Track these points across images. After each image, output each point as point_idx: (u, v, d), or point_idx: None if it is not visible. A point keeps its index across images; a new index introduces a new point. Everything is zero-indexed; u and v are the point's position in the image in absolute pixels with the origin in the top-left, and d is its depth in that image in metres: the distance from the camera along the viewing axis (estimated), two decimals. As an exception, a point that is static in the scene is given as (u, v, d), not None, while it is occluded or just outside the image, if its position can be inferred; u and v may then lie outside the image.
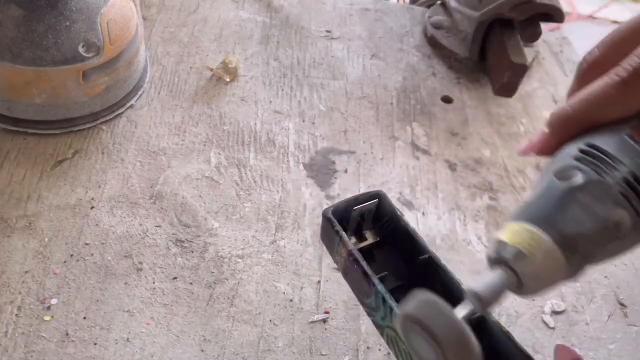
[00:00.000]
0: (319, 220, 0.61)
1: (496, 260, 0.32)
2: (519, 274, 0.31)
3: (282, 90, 0.74)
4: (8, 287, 0.52)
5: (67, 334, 0.50)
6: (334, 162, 0.67)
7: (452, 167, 0.68)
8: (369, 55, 0.81)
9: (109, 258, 0.55)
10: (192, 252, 0.57)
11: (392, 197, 0.64)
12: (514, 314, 0.56)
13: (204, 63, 0.76)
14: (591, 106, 0.33)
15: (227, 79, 0.74)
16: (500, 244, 0.31)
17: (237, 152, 0.66)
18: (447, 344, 0.29)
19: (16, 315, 0.51)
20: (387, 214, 0.45)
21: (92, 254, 0.55)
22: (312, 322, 0.53)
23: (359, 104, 0.74)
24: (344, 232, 0.43)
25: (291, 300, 0.54)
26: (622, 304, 0.58)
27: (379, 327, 0.41)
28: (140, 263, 0.55)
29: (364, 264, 0.41)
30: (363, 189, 0.64)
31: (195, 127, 0.68)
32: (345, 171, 0.66)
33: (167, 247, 0.57)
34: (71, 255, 0.55)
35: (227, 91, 0.73)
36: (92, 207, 0.59)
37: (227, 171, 0.64)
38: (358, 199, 0.44)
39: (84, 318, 0.51)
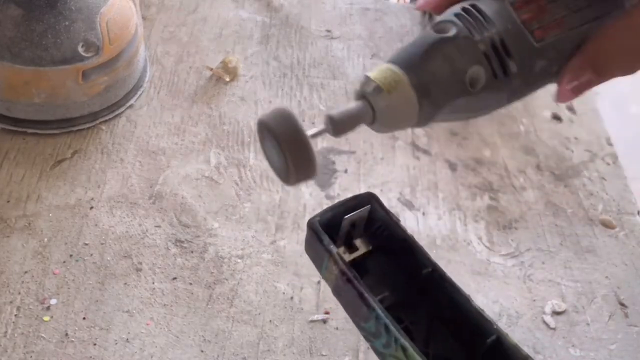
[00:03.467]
0: (319, 220, 0.61)
1: (358, 94, 0.34)
2: (374, 107, 0.33)
3: (282, 90, 0.74)
4: (7, 288, 0.52)
5: (66, 334, 0.50)
6: (334, 162, 0.67)
7: (452, 167, 0.68)
8: (369, 55, 0.81)
9: (109, 258, 0.55)
10: (192, 252, 0.57)
11: (392, 197, 0.64)
12: (515, 315, 0.56)
13: (203, 63, 0.75)
14: None
15: (227, 79, 0.74)
16: (366, 79, 0.34)
17: (237, 152, 0.66)
18: (286, 145, 0.31)
19: (15, 315, 0.51)
20: (379, 219, 0.42)
21: (91, 254, 0.55)
22: (312, 321, 0.53)
23: (359, 103, 0.74)
24: (334, 248, 0.39)
25: (291, 300, 0.54)
26: (622, 305, 0.57)
27: (380, 355, 0.38)
28: (140, 263, 0.55)
29: (360, 286, 0.37)
30: (363, 189, 0.64)
31: (195, 127, 0.68)
32: (345, 171, 0.66)
33: (167, 247, 0.57)
34: (70, 256, 0.55)
35: (226, 91, 0.73)
36: (92, 207, 0.59)
37: (227, 171, 0.64)
38: (347, 206, 0.41)
39: (84, 318, 0.51)
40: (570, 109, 0.77)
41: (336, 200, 0.62)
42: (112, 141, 0.65)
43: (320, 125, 0.34)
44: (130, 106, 0.69)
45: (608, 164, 0.71)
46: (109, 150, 0.64)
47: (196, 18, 0.82)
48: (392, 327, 0.36)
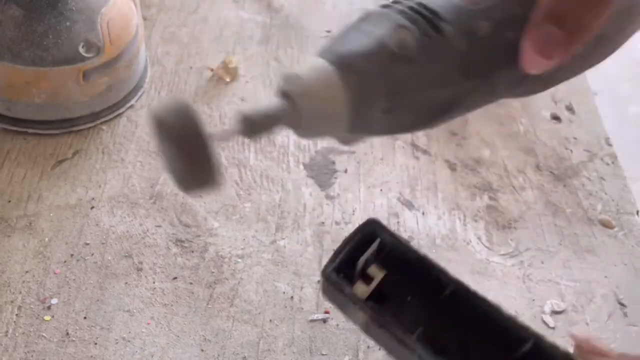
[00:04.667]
0: (319, 220, 0.61)
1: (278, 91, 0.30)
2: (292, 95, 0.29)
3: (282, 90, 0.74)
4: (8, 287, 0.52)
5: (67, 333, 0.50)
6: (334, 162, 0.67)
7: (452, 167, 0.68)
8: (369, 55, 0.81)
9: (109, 258, 0.55)
10: (192, 252, 0.57)
11: (392, 197, 0.64)
12: (514, 314, 0.56)
13: (204, 63, 0.76)
14: None
15: (227, 79, 0.74)
16: (287, 74, 0.30)
17: (237, 152, 0.66)
18: (181, 147, 0.26)
19: (16, 315, 0.51)
20: (388, 244, 0.40)
21: (92, 254, 0.55)
22: (312, 320, 0.53)
23: (359, 104, 0.74)
24: (358, 298, 0.37)
25: (291, 300, 0.54)
26: (622, 304, 0.58)
27: None
28: (141, 263, 0.55)
29: (395, 328, 0.36)
30: (363, 189, 0.64)
31: (196, 127, 0.68)
32: (345, 171, 0.66)
33: (167, 247, 0.57)
34: (71, 255, 0.55)
35: (227, 91, 0.73)
36: (93, 207, 0.59)
37: (227, 171, 0.64)
38: (354, 241, 0.39)
39: (84, 318, 0.51)
40: (570, 109, 0.77)
41: (335, 200, 0.63)
42: (112, 141, 0.65)
43: (231, 127, 0.29)
44: (131, 106, 0.69)
45: (607, 164, 0.71)
46: (110, 150, 0.65)
47: (197, 18, 0.82)
48: None
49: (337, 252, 0.39)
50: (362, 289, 0.38)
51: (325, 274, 0.38)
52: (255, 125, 0.29)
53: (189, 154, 0.26)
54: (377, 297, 0.38)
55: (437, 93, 0.31)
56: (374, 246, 0.39)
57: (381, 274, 0.39)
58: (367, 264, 0.40)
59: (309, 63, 0.30)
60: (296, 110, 0.29)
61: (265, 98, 0.30)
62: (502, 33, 0.31)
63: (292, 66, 0.77)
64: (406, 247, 0.39)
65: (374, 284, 0.39)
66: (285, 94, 0.30)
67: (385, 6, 0.32)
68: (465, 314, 0.39)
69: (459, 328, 0.39)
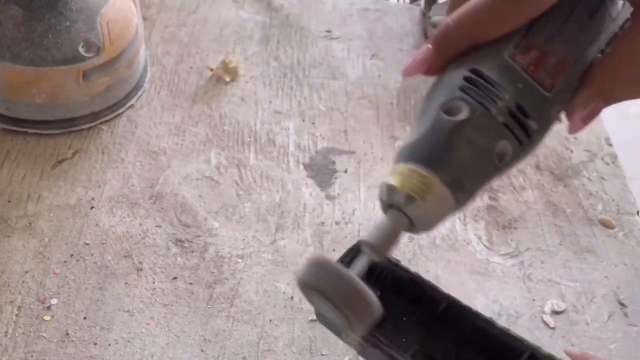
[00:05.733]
0: (319, 220, 0.61)
1: (388, 205, 0.32)
2: (410, 216, 0.31)
3: (282, 90, 0.74)
4: (8, 287, 0.52)
5: (67, 333, 0.50)
6: (334, 162, 0.67)
7: (452, 167, 0.68)
8: (369, 55, 0.81)
9: (109, 258, 0.55)
10: (192, 252, 0.57)
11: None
12: (514, 314, 0.56)
13: (204, 63, 0.76)
14: (473, 20, 0.32)
15: (227, 79, 0.74)
16: (391, 188, 0.31)
17: (237, 152, 0.66)
18: (342, 303, 0.29)
19: (16, 315, 0.51)
20: (379, 265, 0.40)
21: (92, 254, 0.55)
22: (312, 320, 0.53)
23: (359, 104, 0.74)
24: None
25: (291, 300, 0.54)
26: (622, 304, 0.58)
27: None
28: (140, 263, 0.55)
29: (389, 349, 0.36)
30: (363, 189, 0.64)
31: (195, 127, 0.68)
32: (345, 171, 0.66)
33: (167, 247, 0.57)
34: (71, 255, 0.55)
35: (227, 91, 0.73)
36: (92, 207, 0.59)
37: (227, 171, 0.64)
38: (345, 262, 0.39)
39: (84, 318, 0.51)
40: (570, 109, 0.77)
41: (336, 200, 0.63)
42: (112, 141, 0.65)
43: (362, 258, 0.31)
44: (131, 106, 0.69)
45: (607, 164, 0.71)
46: (110, 150, 0.64)
47: (196, 18, 0.82)
48: None
49: None
50: None
51: None
52: (382, 248, 0.31)
53: (345, 302, 0.29)
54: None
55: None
56: (363, 261, 0.40)
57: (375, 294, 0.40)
58: None
59: (407, 172, 0.31)
60: (411, 221, 0.31)
61: (378, 218, 0.31)
62: (561, 109, 0.33)
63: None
64: (396, 267, 0.40)
65: None
66: (396, 207, 0.31)
67: (477, 95, 0.31)
68: (459, 330, 0.39)
69: (454, 344, 0.40)
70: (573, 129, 0.35)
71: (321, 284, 0.29)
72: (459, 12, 0.32)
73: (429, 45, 0.33)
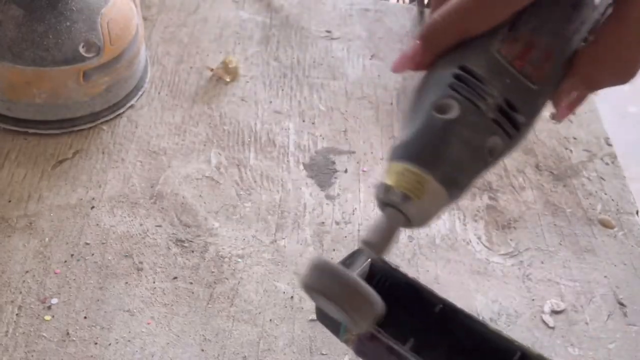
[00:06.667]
0: (319, 220, 0.61)
1: (384, 204, 0.32)
2: (406, 213, 0.32)
3: (282, 90, 0.74)
4: (9, 287, 0.52)
5: (67, 333, 0.50)
6: (334, 162, 0.67)
7: (451, 167, 0.68)
8: (369, 55, 0.81)
9: (110, 258, 0.56)
10: (193, 251, 0.57)
11: (392, 197, 0.64)
12: (514, 314, 0.56)
13: (204, 63, 0.76)
14: (459, 15, 0.32)
15: (227, 79, 0.74)
16: (387, 188, 0.32)
17: (237, 152, 0.66)
18: (345, 303, 0.30)
19: (17, 315, 0.51)
20: (378, 271, 0.41)
21: (92, 254, 0.56)
22: (312, 320, 0.53)
23: (359, 104, 0.74)
24: None
25: (291, 300, 0.55)
26: (621, 304, 0.58)
27: None
28: (141, 263, 0.56)
29: (387, 339, 0.37)
30: (363, 189, 0.64)
31: (196, 127, 0.68)
32: (345, 171, 0.66)
33: (168, 246, 0.57)
34: (72, 255, 0.55)
35: (227, 91, 0.73)
36: (93, 207, 0.59)
37: (227, 171, 0.64)
38: (346, 265, 0.40)
39: (85, 318, 0.51)
40: (570, 109, 0.77)
41: (336, 200, 0.63)
42: (113, 141, 0.65)
43: (361, 257, 0.33)
44: (131, 106, 0.69)
45: (607, 163, 0.71)
46: (110, 150, 0.65)
47: (197, 19, 0.82)
48: None
49: None
50: None
51: None
52: (380, 246, 0.32)
53: (349, 302, 0.30)
54: None
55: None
56: (366, 266, 0.41)
57: None
58: None
59: (402, 170, 0.32)
60: (407, 219, 0.32)
61: (375, 215, 0.32)
62: (547, 99, 0.34)
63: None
64: (395, 272, 0.41)
65: None
66: (392, 205, 0.32)
67: (467, 92, 0.32)
68: (453, 332, 0.40)
69: (449, 345, 0.40)
70: (559, 117, 0.36)
71: (324, 287, 0.30)
72: (445, 7, 0.33)
73: (417, 41, 0.33)
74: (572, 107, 0.35)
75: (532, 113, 0.33)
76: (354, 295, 0.30)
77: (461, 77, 0.32)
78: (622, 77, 0.34)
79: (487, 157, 0.32)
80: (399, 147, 0.32)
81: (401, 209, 0.32)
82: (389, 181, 0.32)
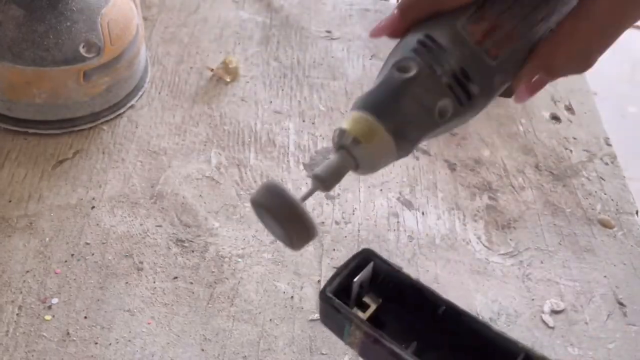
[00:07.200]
0: (319, 220, 0.61)
1: (338, 146, 0.35)
2: (355, 156, 0.35)
3: (282, 90, 0.74)
4: (9, 287, 0.52)
5: (68, 333, 0.50)
6: (334, 162, 0.67)
7: (451, 167, 0.68)
8: (369, 55, 0.81)
9: (110, 258, 0.56)
10: (193, 251, 0.57)
11: (392, 197, 0.64)
12: (514, 314, 0.56)
13: (204, 63, 0.76)
14: None
15: (228, 79, 0.74)
16: (342, 131, 0.35)
17: (238, 152, 0.66)
18: (285, 220, 0.33)
19: (17, 314, 0.51)
20: (382, 272, 0.42)
21: (92, 254, 0.56)
22: (312, 320, 0.53)
23: (358, 104, 0.74)
24: (355, 315, 0.40)
25: (291, 300, 0.55)
26: (621, 304, 0.58)
27: None
28: (141, 263, 0.56)
29: (390, 343, 0.38)
30: (363, 189, 0.64)
31: (196, 127, 0.68)
32: (345, 171, 0.66)
33: (168, 246, 0.57)
34: (72, 255, 0.55)
35: (227, 91, 0.73)
36: (93, 207, 0.59)
37: (228, 171, 0.64)
38: (350, 267, 0.42)
39: (85, 317, 0.51)
40: (569, 109, 0.77)
41: (336, 200, 0.63)
42: (113, 141, 0.66)
43: (310, 186, 0.35)
44: (132, 106, 0.69)
45: (606, 163, 0.71)
46: (110, 150, 0.65)
47: (197, 19, 0.82)
48: None
49: (333, 276, 0.41)
50: (359, 315, 0.41)
51: (322, 295, 0.40)
52: (328, 181, 0.35)
53: (287, 222, 0.33)
54: (375, 326, 0.39)
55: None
56: (369, 269, 0.42)
57: (376, 303, 0.43)
58: (362, 290, 0.42)
59: (357, 118, 0.35)
60: (356, 162, 0.35)
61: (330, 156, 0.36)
62: (507, 78, 0.37)
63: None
64: (398, 273, 0.42)
65: (370, 311, 0.42)
66: (344, 148, 0.35)
67: (427, 56, 0.35)
68: (457, 334, 0.40)
69: (452, 347, 0.40)
70: (518, 99, 0.39)
71: (269, 204, 0.33)
72: None
73: (395, 11, 0.37)
74: (531, 91, 0.39)
75: (487, 87, 0.36)
76: (293, 216, 0.33)
77: (424, 43, 0.35)
78: (578, 66, 0.36)
79: (437, 118, 0.35)
80: (361, 98, 0.35)
81: (352, 152, 0.34)
82: (345, 126, 0.35)
